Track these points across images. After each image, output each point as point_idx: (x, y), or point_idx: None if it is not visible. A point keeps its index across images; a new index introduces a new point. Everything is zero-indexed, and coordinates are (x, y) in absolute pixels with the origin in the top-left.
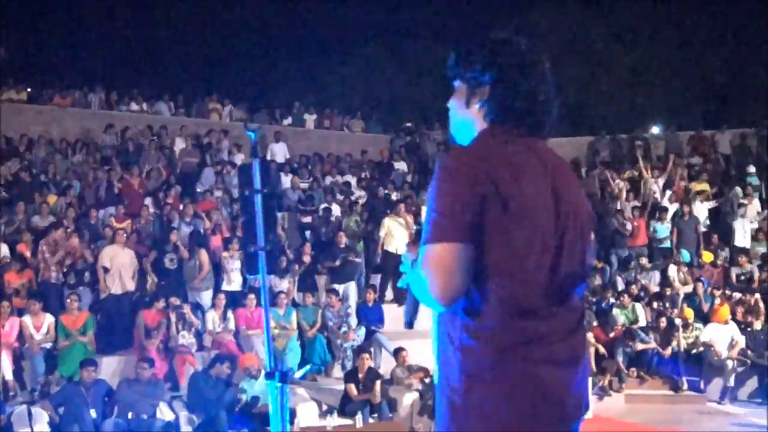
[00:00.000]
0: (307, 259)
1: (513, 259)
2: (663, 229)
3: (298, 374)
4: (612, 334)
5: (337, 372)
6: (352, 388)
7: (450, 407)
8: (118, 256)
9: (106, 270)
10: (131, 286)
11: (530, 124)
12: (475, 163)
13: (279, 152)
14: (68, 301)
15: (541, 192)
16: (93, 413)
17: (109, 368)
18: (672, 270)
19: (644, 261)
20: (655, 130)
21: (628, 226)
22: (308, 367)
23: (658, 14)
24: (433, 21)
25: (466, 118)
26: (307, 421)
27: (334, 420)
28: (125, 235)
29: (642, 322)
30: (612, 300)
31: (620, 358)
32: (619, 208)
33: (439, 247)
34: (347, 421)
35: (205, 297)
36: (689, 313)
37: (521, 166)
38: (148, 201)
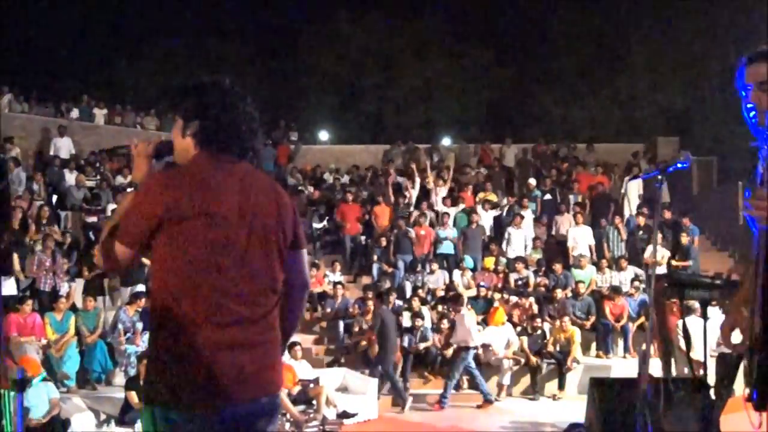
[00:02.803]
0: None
1: (194, 264)
2: (446, 235)
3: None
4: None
5: (120, 379)
6: (133, 396)
7: None
8: None
9: None
10: None
11: (234, 151)
12: (165, 186)
13: (63, 147)
14: None
15: (232, 209)
16: None
17: None
18: (456, 275)
19: (435, 267)
20: (447, 141)
21: (412, 233)
22: (42, 373)
23: (454, 31)
24: (235, 18)
25: (183, 146)
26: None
27: (112, 429)
28: None
29: (428, 324)
30: (400, 302)
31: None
32: (407, 215)
33: (116, 242)
34: (127, 431)
35: None
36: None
37: (216, 186)
38: None
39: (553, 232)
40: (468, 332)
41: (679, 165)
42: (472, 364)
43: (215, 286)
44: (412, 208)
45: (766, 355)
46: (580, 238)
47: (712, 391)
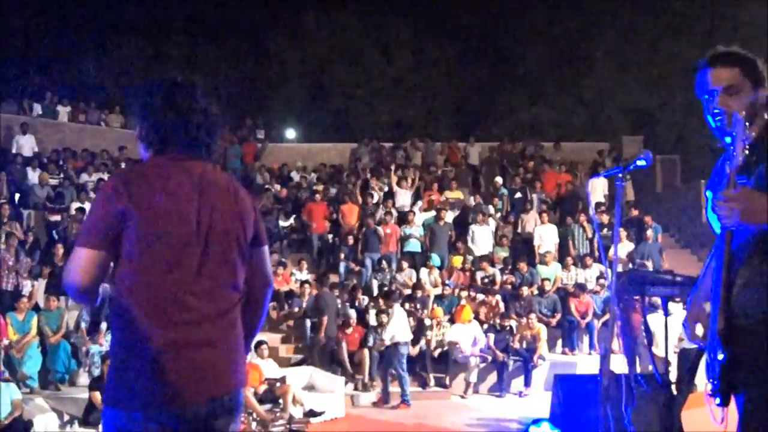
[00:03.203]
0: (58, 261)
1: (153, 262)
2: (411, 233)
3: None
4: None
5: (83, 380)
6: (97, 396)
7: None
8: None
9: None
10: None
11: (185, 151)
12: (122, 184)
13: (26, 145)
14: None
15: (190, 208)
16: None
17: None
18: (423, 273)
19: (405, 266)
20: (414, 139)
21: (380, 231)
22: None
23: (420, 31)
24: (202, 16)
25: (139, 147)
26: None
27: (76, 430)
28: None
29: None
30: (366, 299)
31: (366, 352)
32: (374, 213)
33: (80, 251)
34: (91, 431)
35: None
36: (439, 312)
37: (174, 185)
38: None
39: (519, 230)
40: (400, 328)
41: (638, 162)
42: (404, 363)
43: (175, 285)
44: (380, 207)
45: (731, 352)
46: (545, 236)
47: (673, 387)
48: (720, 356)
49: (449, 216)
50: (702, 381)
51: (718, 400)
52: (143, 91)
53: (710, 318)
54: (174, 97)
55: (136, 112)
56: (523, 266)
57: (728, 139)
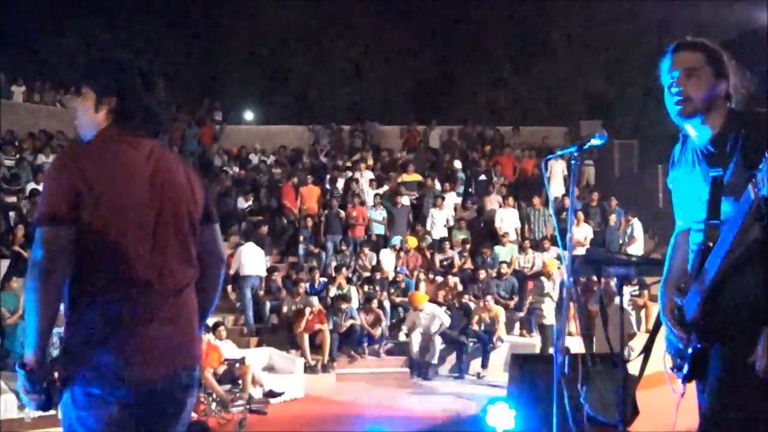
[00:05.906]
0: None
1: (107, 239)
2: (374, 216)
3: None
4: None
5: None
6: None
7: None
8: None
9: None
10: None
11: (147, 129)
12: (76, 160)
13: None
14: None
15: (143, 184)
16: None
17: None
18: (385, 253)
19: (366, 249)
20: (373, 122)
21: (341, 214)
22: None
23: (379, 12)
24: None
25: (93, 121)
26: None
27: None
28: None
29: (355, 304)
30: (324, 279)
31: (327, 334)
32: (339, 195)
33: (42, 230)
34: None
35: None
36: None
37: (123, 163)
38: None
39: (481, 213)
40: (247, 262)
41: (592, 141)
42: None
43: (131, 261)
44: (340, 190)
45: (704, 338)
46: (507, 219)
47: (629, 366)
48: (693, 340)
49: (406, 199)
50: (656, 363)
51: (683, 377)
52: (117, 66)
53: (684, 305)
54: (149, 77)
55: (102, 85)
56: (486, 251)
57: (691, 125)
